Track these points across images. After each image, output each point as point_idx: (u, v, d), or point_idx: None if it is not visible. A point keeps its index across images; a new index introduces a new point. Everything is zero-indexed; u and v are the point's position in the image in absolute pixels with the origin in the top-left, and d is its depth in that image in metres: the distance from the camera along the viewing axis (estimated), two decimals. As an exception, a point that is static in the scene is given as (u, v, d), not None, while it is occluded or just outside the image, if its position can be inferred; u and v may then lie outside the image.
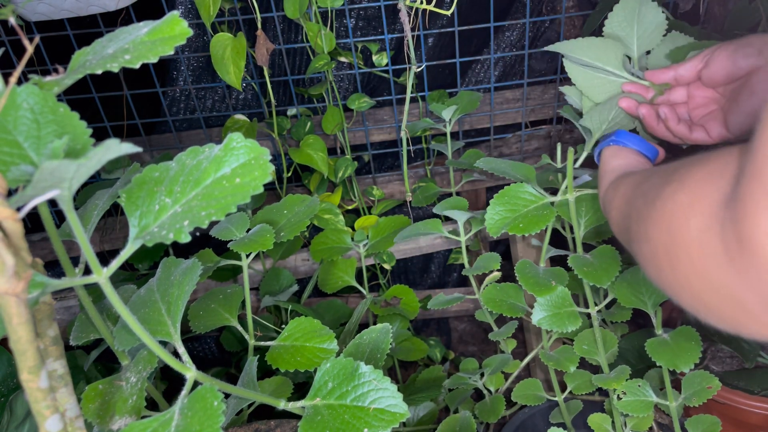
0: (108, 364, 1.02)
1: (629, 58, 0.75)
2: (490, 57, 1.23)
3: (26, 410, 0.69)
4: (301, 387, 0.99)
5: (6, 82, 0.39)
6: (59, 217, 1.20)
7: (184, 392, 0.45)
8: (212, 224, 0.82)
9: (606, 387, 0.82)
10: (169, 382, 1.06)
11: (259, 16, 1.04)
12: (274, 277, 1.08)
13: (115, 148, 0.34)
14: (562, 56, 0.77)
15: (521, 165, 0.79)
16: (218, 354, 1.30)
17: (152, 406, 0.71)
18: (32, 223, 1.21)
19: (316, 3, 1.04)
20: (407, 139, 1.16)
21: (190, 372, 0.46)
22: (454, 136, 1.29)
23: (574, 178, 0.81)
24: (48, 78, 0.41)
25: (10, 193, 0.34)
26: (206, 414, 0.42)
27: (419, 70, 1.11)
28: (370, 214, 1.25)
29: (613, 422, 0.88)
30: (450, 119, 1.11)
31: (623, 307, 0.87)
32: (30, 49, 0.37)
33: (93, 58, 0.43)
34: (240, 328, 0.78)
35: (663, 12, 0.74)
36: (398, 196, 1.30)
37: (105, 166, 1.07)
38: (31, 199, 0.34)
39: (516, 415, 1.02)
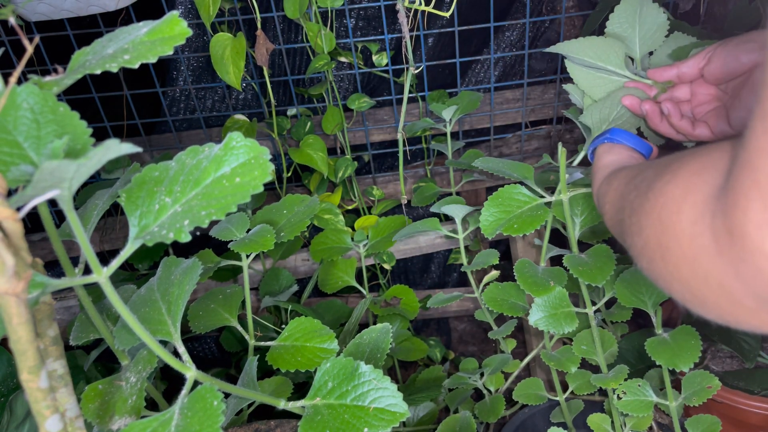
0: (108, 364, 1.02)
1: (632, 59, 0.75)
2: (490, 57, 1.23)
3: (26, 410, 0.69)
4: (301, 387, 0.99)
5: (6, 82, 0.39)
6: (59, 217, 1.20)
7: (184, 392, 0.45)
8: (212, 224, 0.82)
9: (604, 387, 0.82)
10: (169, 382, 1.06)
11: (258, 16, 1.04)
12: (274, 277, 1.08)
13: (115, 148, 0.34)
14: (563, 56, 0.77)
15: (519, 164, 0.79)
16: (218, 354, 1.30)
17: (152, 406, 0.71)
18: (32, 223, 1.21)
19: (316, 3, 1.04)
20: (404, 140, 1.16)
21: (190, 371, 0.46)
22: (454, 136, 1.29)
23: (568, 176, 0.81)
24: (48, 78, 0.41)
25: (10, 193, 0.34)
26: (206, 414, 0.42)
27: (418, 70, 1.11)
28: (370, 214, 1.25)
29: (612, 422, 0.88)
30: (450, 119, 1.11)
31: (623, 307, 0.87)
32: (30, 49, 0.37)
33: (92, 58, 0.43)
34: (240, 329, 0.78)
35: (664, 12, 0.74)
36: (398, 196, 1.30)
37: (105, 166, 1.07)
38: (31, 199, 0.34)
39: (516, 415, 1.02)
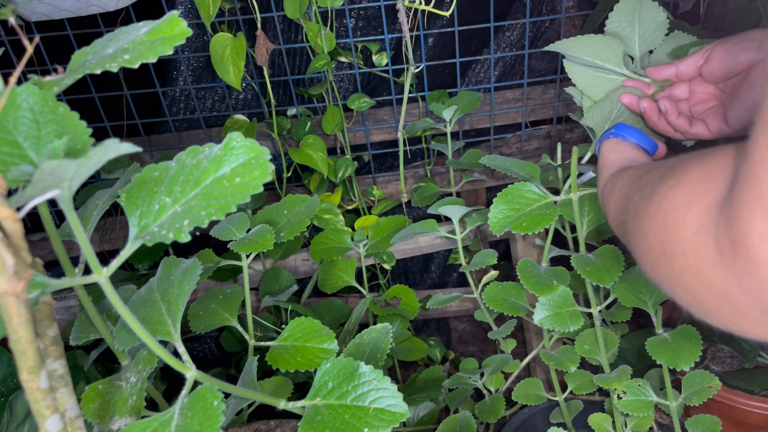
0: (108, 364, 1.02)
1: (632, 58, 0.75)
2: (490, 57, 1.23)
3: (26, 410, 0.69)
4: (301, 387, 0.99)
5: (6, 82, 0.39)
6: (59, 217, 1.20)
7: (184, 392, 0.45)
8: (212, 224, 0.82)
9: (607, 387, 0.82)
10: (169, 382, 1.06)
11: (259, 16, 1.04)
12: (273, 277, 1.08)
13: (115, 147, 0.34)
14: (562, 56, 0.77)
15: (526, 163, 0.79)
16: (218, 354, 1.30)
17: (152, 406, 0.71)
18: (32, 223, 1.21)
19: (316, 3, 1.04)
20: (404, 140, 1.16)
21: (190, 371, 0.46)
22: (454, 136, 1.29)
23: (579, 175, 0.81)
24: (48, 78, 0.41)
25: (10, 193, 0.34)
26: (206, 414, 0.42)
27: (418, 70, 1.11)
28: (370, 214, 1.25)
29: (613, 422, 0.88)
30: (450, 119, 1.11)
31: (624, 307, 0.87)
32: (30, 49, 0.37)
33: (92, 58, 0.43)
34: (240, 329, 0.78)
35: (664, 11, 0.74)
36: (398, 196, 1.30)
37: (105, 166, 1.07)
38: (31, 199, 0.34)
39: (516, 415, 1.02)
